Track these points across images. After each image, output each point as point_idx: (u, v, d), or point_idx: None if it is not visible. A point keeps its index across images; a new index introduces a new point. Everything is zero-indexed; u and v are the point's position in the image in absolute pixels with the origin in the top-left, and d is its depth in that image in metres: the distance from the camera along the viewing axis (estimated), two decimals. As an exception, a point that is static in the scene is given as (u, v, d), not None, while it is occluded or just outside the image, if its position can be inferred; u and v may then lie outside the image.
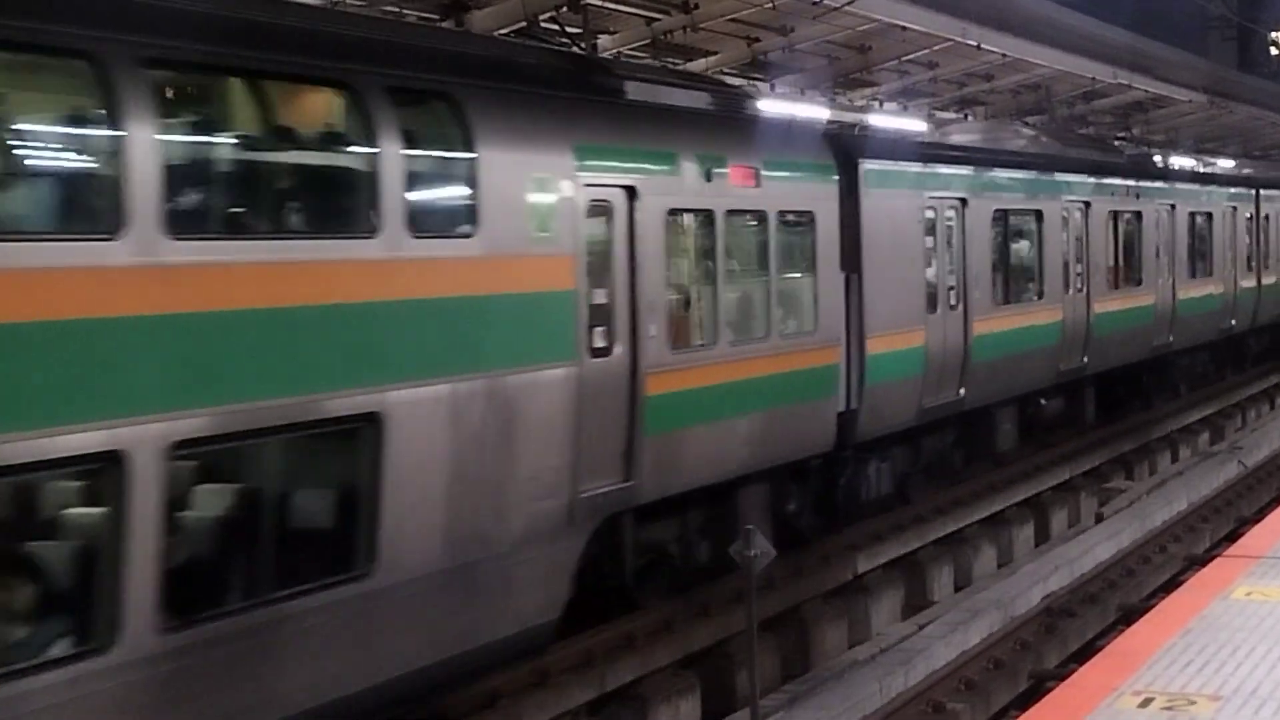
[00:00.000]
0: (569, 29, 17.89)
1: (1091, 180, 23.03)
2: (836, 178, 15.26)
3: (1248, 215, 31.21)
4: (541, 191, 10.85)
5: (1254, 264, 31.54)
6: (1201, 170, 33.80)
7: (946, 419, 18.25)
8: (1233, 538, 17.18)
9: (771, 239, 14.04)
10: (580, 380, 11.10)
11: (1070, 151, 23.73)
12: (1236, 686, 8.41)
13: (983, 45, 23.26)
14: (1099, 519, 19.55)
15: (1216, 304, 28.89)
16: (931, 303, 17.48)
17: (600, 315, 11.53)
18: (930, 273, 17.61)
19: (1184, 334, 26.81)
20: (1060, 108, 30.59)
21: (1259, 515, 17.78)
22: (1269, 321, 33.85)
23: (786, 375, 14.16)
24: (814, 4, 19.07)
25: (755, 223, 14.09)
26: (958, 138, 23.28)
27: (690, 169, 12.90)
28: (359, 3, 16.96)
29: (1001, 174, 20.32)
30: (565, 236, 11.04)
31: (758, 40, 21.39)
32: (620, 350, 11.73)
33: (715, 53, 21.75)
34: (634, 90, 12.97)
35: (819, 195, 14.94)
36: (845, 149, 15.96)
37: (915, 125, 23.82)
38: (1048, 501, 20.13)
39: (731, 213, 13.46)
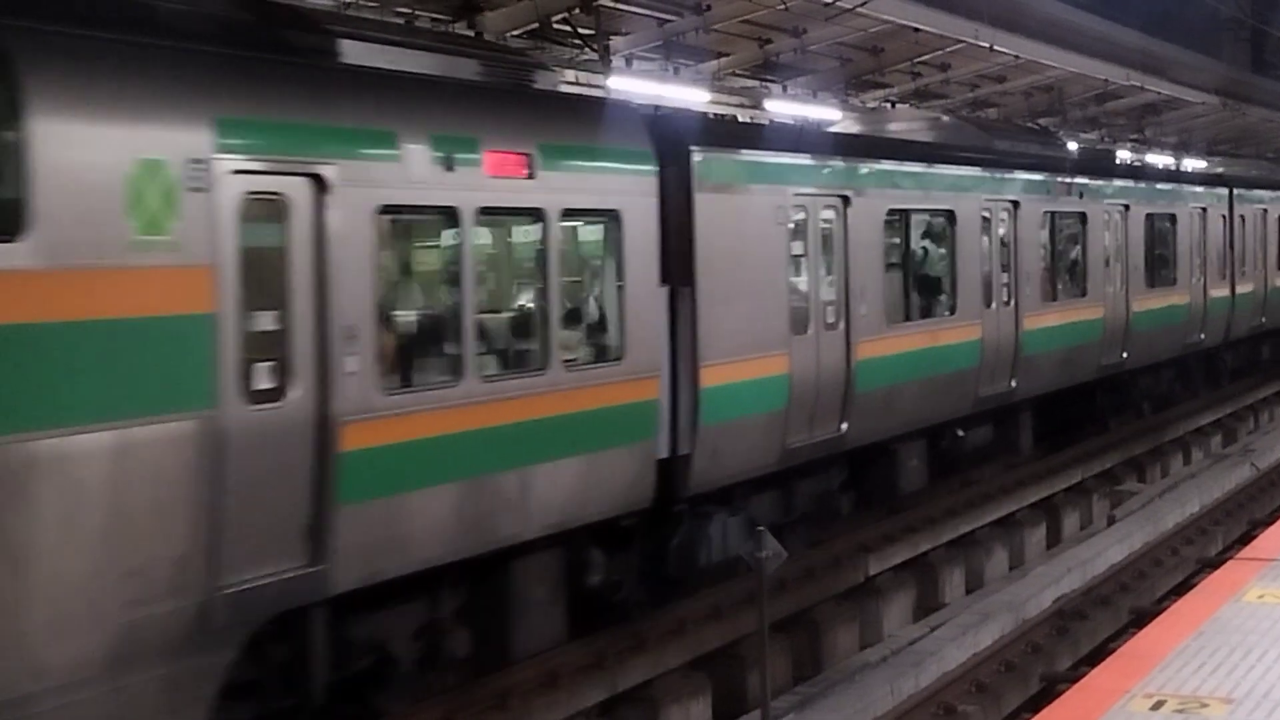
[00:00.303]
0: (581, 30, 17.93)
1: (1022, 176, 20.00)
2: (655, 169, 12.38)
3: (1220, 217, 28.16)
4: (153, 180, 8.13)
5: (1227, 271, 28.45)
6: (1165, 168, 31.82)
7: (826, 459, 15.26)
8: (1245, 540, 17.13)
9: (551, 245, 11.26)
10: (222, 435, 8.36)
11: (998, 142, 20.73)
12: (1249, 689, 8.39)
13: (995, 47, 23.27)
14: (1111, 521, 19.51)
15: (1180, 316, 25.79)
16: (800, 322, 14.41)
17: (266, 346, 8.84)
18: (799, 286, 14.62)
19: (1141, 351, 23.79)
20: (1073, 109, 30.59)
21: (1271, 518, 17.73)
22: (1247, 335, 30.58)
23: (575, 417, 11.37)
24: (826, 5, 19.09)
25: (527, 224, 11.44)
26: (847, 126, 20.97)
27: (418, 154, 10.04)
28: (371, 3, 17.00)
29: (900, 167, 17.02)
30: (195, 242, 8.31)
31: (770, 42, 21.41)
32: (300, 393, 8.98)
33: (728, 54, 21.78)
34: (327, 48, 9.95)
35: (628, 190, 12.06)
36: (671, 135, 12.98)
37: (822, 113, 22.14)
38: (1060, 503, 20.10)
39: (487, 211, 10.66)
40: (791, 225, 14.41)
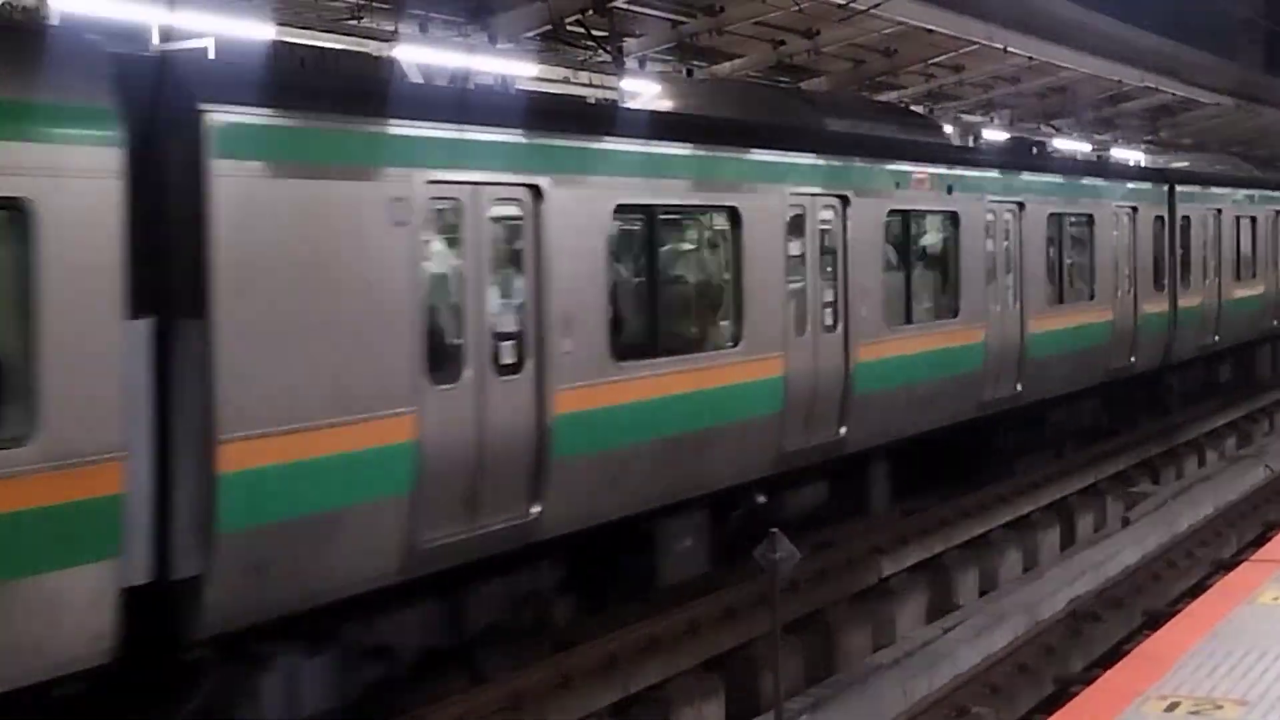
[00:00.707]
0: (595, 32, 17.94)
1: (858, 165, 15.42)
2: (121, 136, 8.25)
3: (1155, 218, 23.88)
4: None
5: (1166, 282, 24.31)
6: (1083, 159, 28.91)
7: (453, 571, 10.64)
8: (1259, 542, 17.07)
9: None
10: None
11: (831, 122, 16.17)
12: (1263, 691, 8.37)
13: (1009, 48, 23.27)
14: (1125, 523, 19.47)
15: (1101, 337, 21.66)
16: (443, 363, 10.29)
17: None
18: (444, 312, 10.48)
19: (1040, 380, 19.44)
20: (1087, 111, 30.56)
21: (1286, 520, 17.71)
22: (1196, 356, 26.37)
23: None
24: (840, 6, 19.08)
25: None
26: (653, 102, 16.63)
27: None
28: (385, 6, 17.04)
29: (639, 148, 12.43)
30: None
31: (783, 44, 21.42)
32: None
33: (741, 56, 21.79)
34: None
35: (50, 168, 7.91)
36: (165, 85, 8.88)
37: (637, 86, 18.29)
38: (1074, 505, 20.05)
39: None
40: (421, 226, 10.09)
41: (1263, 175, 32.49)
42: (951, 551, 16.90)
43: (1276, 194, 30.81)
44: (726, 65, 21.77)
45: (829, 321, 14.72)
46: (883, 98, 25.07)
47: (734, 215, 13.50)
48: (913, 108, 24.16)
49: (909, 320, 16.41)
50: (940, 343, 16.86)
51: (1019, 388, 18.68)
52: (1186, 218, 25.05)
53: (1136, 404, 24.61)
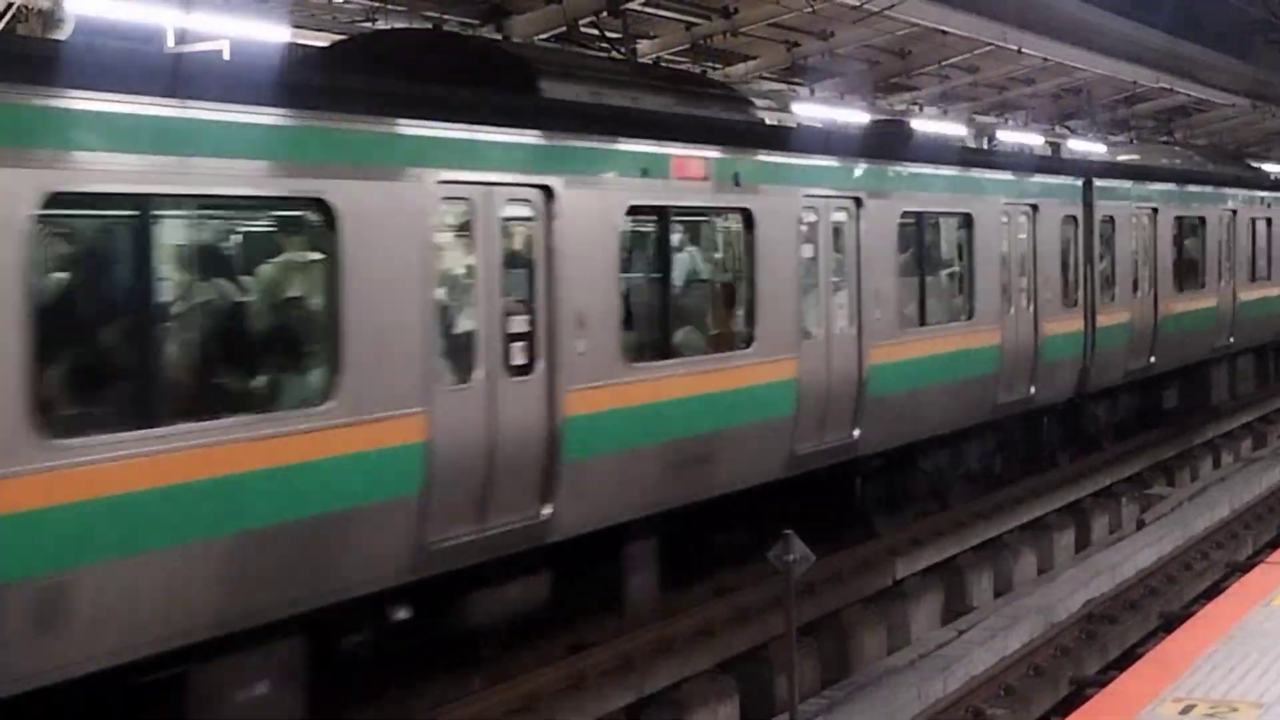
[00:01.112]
0: (609, 34, 17.95)
1: (577, 145, 11.48)
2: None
3: (1066, 219, 19.68)
4: None
5: (1083, 295, 20.06)
6: (959, 145, 24.13)
7: None
8: (1276, 544, 17.07)
9: None
10: None
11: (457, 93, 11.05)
12: None
13: (1023, 49, 23.26)
14: (1140, 525, 19.44)
15: (986, 365, 17.25)
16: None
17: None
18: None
19: (892, 424, 15.24)
20: (1102, 112, 30.50)
21: (1302, 522, 17.68)
22: (1122, 382, 21.88)
23: None
24: (854, 8, 19.08)
25: None
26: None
27: None
28: (400, 8, 17.06)
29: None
30: None
31: (797, 45, 21.44)
32: None
33: (754, 57, 21.80)
34: None
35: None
36: None
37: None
38: (1089, 507, 20.01)
39: None
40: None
41: (1218, 170, 27.67)
42: (966, 554, 16.87)
43: (1231, 191, 26.48)
44: (740, 67, 21.78)
45: (520, 363, 10.79)
46: (897, 99, 25.04)
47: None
48: (708, 70, 20.50)
49: (662, 356, 12.30)
50: (712, 385, 12.70)
51: (856, 434, 14.71)
52: (1110, 218, 20.90)
53: (1043, 443, 20.41)
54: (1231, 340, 26.17)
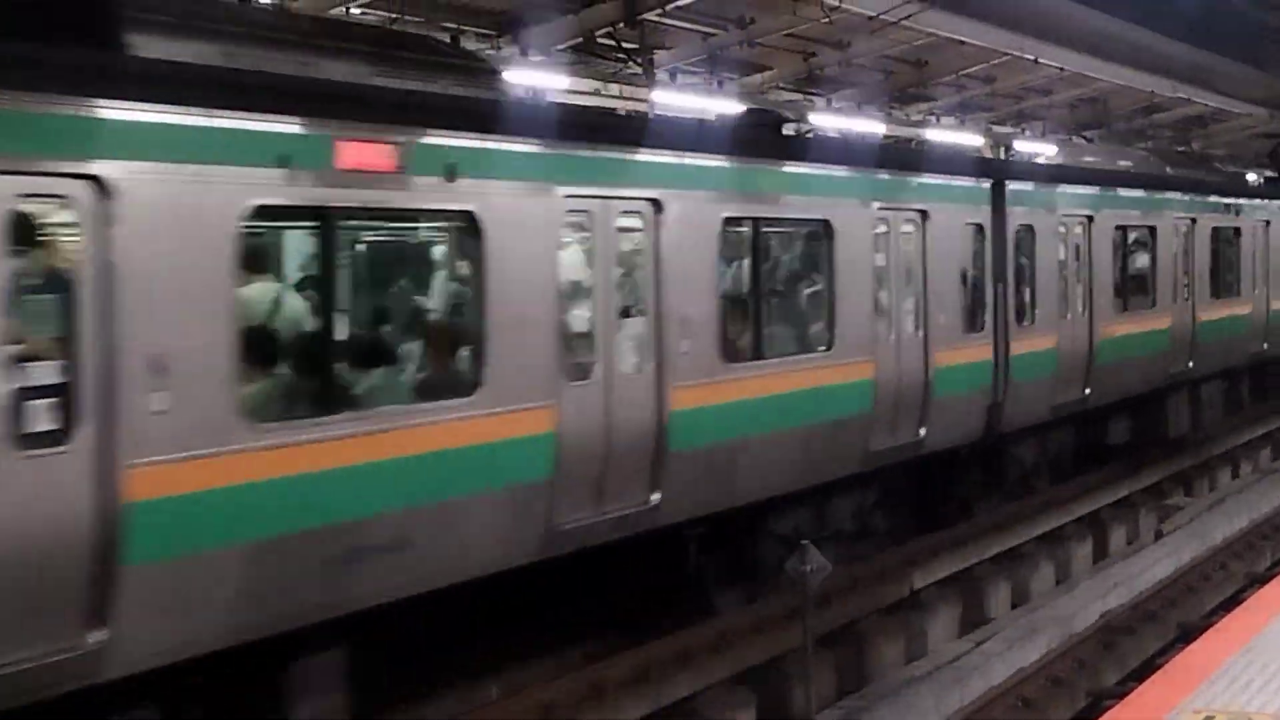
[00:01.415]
0: (625, 45, 18.00)
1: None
2: None
3: (969, 228, 16.53)
4: None
5: (993, 319, 16.83)
6: (832, 136, 21.23)
7: None
8: (1294, 555, 17.04)
9: None
10: None
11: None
12: (1298, 706, 8.33)
13: (1040, 60, 23.24)
14: (1158, 536, 19.40)
15: (855, 404, 14.29)
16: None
17: None
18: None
19: (713, 485, 12.54)
20: (1119, 122, 30.47)
21: (1321, 533, 17.61)
22: (1048, 419, 18.63)
23: None
24: (870, 18, 19.10)
25: None
26: None
27: None
28: (416, 18, 17.12)
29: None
30: None
31: (814, 55, 21.45)
32: None
33: (771, 68, 21.81)
34: None
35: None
36: None
37: None
38: (1107, 518, 19.97)
39: None
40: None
41: (1173, 174, 24.52)
42: (984, 564, 16.85)
43: (1188, 197, 23.06)
44: (757, 77, 21.80)
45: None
46: (913, 110, 25.05)
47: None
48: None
49: (339, 409, 9.34)
50: (467, 436, 10.16)
51: (655, 499, 11.84)
52: (1027, 227, 17.66)
53: (944, 493, 17.51)
54: (1191, 365, 22.80)
